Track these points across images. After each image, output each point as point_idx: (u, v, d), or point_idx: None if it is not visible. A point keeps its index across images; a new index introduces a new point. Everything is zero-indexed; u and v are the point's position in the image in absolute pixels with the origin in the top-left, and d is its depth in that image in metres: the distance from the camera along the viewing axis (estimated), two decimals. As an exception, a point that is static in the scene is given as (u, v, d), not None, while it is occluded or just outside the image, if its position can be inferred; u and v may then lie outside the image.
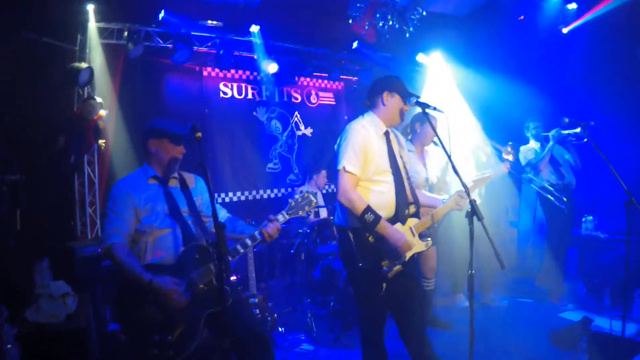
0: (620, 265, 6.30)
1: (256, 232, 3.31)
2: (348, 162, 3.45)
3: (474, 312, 3.02)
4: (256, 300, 5.28)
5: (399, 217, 3.57)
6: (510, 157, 6.07)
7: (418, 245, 3.66)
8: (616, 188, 4.17)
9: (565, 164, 6.54)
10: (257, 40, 7.39)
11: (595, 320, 5.50)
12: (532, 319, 6.01)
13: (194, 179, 3.65)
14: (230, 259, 3.30)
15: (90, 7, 6.00)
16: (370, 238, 3.47)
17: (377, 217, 3.40)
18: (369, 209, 3.39)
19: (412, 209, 3.65)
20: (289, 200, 3.50)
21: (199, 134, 2.92)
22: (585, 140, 4.56)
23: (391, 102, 3.65)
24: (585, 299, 6.79)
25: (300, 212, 3.45)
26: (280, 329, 5.35)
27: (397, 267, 3.51)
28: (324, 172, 7.53)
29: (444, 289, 6.49)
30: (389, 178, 3.56)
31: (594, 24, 7.41)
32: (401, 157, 3.76)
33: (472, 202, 3.04)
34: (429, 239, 3.77)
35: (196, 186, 3.60)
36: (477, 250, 3.32)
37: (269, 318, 5.24)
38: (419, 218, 3.72)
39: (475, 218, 3.00)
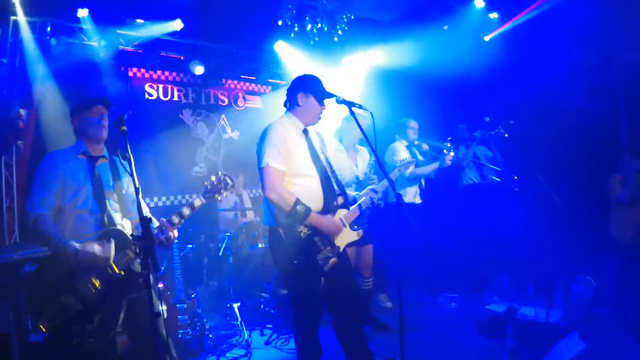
0: (541, 258, 6.58)
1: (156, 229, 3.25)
2: (271, 157, 3.50)
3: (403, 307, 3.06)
4: (184, 306, 5.12)
5: (328, 209, 3.65)
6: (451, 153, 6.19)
7: (350, 235, 3.75)
8: (535, 183, 4.35)
9: (488, 163, 6.78)
10: (182, 40, 7.23)
11: (520, 309, 5.74)
12: (460, 312, 6.19)
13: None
14: None
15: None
16: (302, 233, 3.47)
17: (308, 209, 3.46)
18: (299, 201, 3.43)
19: (340, 200, 3.75)
20: (205, 182, 3.40)
21: (124, 128, 2.85)
22: (506, 135, 4.78)
23: (306, 102, 3.73)
24: (509, 291, 7.06)
25: (217, 196, 3.37)
26: (210, 335, 5.21)
27: (333, 260, 3.54)
28: (241, 178, 7.49)
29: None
30: (313, 172, 3.65)
31: (514, 32, 7.74)
32: (323, 152, 3.86)
33: (398, 196, 3.11)
34: (360, 229, 3.83)
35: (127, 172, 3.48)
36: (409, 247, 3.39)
37: (198, 324, 5.10)
38: (348, 209, 3.79)
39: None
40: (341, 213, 3.71)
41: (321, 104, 3.72)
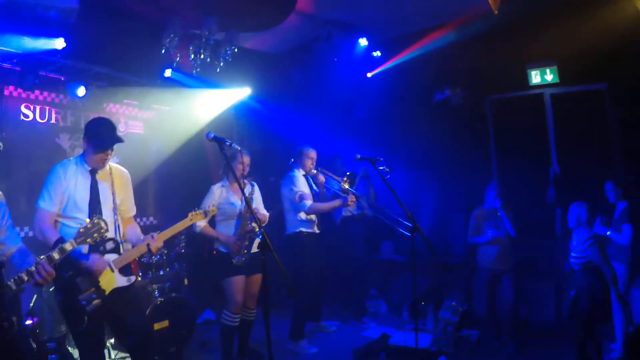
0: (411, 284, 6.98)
1: (24, 273, 3.04)
2: (42, 199, 3.72)
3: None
4: (54, 345, 4.90)
5: (95, 251, 3.71)
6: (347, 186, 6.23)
7: (120, 280, 3.83)
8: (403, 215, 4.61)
9: (364, 196, 7.18)
10: (64, 61, 6.92)
11: (393, 335, 6.03)
12: (337, 340, 6.45)
13: None
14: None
15: None
16: (66, 273, 3.58)
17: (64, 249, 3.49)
18: (61, 239, 3.40)
19: (109, 244, 3.80)
20: (78, 225, 3.33)
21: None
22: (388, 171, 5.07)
23: (87, 147, 3.88)
24: (387, 316, 7.43)
25: (89, 240, 3.26)
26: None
27: (97, 301, 3.60)
28: None
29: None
30: (83, 215, 3.74)
31: (395, 71, 8.17)
32: (113, 193, 3.97)
33: (264, 234, 3.34)
34: (133, 276, 3.94)
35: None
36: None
37: (67, 363, 4.92)
38: (119, 254, 3.86)
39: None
40: (110, 257, 3.78)
41: (97, 152, 3.83)
